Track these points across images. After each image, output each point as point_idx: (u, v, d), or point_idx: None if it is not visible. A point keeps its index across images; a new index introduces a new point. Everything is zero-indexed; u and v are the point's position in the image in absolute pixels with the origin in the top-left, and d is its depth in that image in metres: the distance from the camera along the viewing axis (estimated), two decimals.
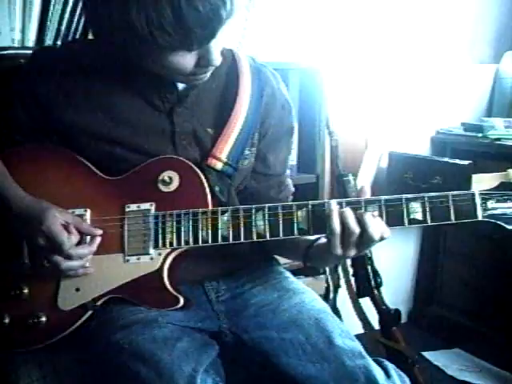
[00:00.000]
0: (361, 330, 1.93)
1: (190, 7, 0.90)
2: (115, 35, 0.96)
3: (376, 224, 1.02)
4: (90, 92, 1.13)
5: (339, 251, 1.03)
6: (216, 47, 1.00)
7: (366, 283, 1.90)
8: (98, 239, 1.11)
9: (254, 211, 1.08)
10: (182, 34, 0.93)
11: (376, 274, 1.89)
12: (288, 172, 1.33)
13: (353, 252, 1.04)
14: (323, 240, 1.12)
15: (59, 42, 1.51)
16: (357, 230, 1.01)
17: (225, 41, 1.01)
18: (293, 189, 1.33)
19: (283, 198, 1.26)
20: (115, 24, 0.94)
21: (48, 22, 1.49)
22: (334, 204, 1.05)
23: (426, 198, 1.03)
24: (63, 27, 1.51)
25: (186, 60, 1.00)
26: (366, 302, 1.93)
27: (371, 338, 1.89)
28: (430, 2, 2.25)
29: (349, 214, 1.02)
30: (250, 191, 1.25)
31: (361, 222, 1.01)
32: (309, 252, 1.15)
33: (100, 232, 1.11)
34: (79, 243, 1.09)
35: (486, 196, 1.02)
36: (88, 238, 1.11)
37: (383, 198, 1.05)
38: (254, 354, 1.12)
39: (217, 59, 1.02)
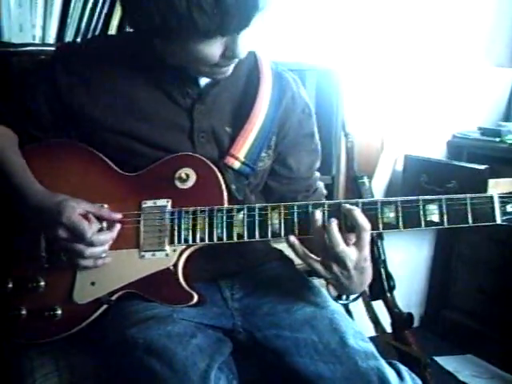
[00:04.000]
0: (373, 333, 1.92)
1: None
2: (155, 18, 0.96)
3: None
4: (112, 86, 1.14)
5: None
6: (243, 40, 1.01)
7: (379, 286, 1.89)
8: (118, 225, 1.12)
9: (269, 209, 1.08)
10: (219, 17, 0.93)
11: (389, 276, 1.89)
12: (317, 175, 1.32)
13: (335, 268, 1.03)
14: None
15: (79, 39, 1.53)
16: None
17: (252, 37, 1.02)
18: (325, 192, 1.32)
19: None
20: (156, 3, 0.94)
21: (68, 19, 1.50)
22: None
23: (443, 200, 1.02)
24: (83, 24, 1.52)
25: (214, 49, 1.01)
26: (378, 305, 1.93)
27: (383, 340, 1.88)
28: (448, 4, 2.24)
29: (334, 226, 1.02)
30: (277, 195, 1.25)
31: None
32: None
33: (120, 215, 1.12)
34: (101, 230, 1.10)
35: (505, 199, 1.01)
36: (105, 225, 1.12)
37: (400, 199, 1.04)
38: (266, 353, 1.12)
39: (242, 52, 1.03)
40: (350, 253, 1.02)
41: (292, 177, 1.26)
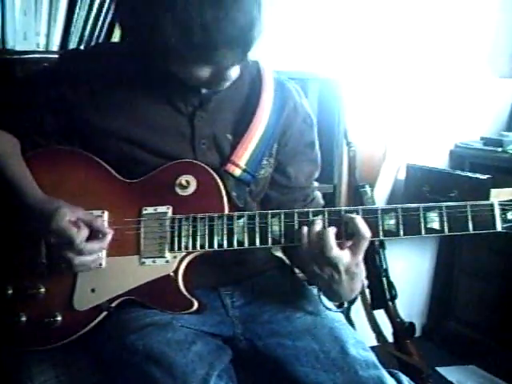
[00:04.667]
0: (374, 342, 1.91)
1: (220, 32, 0.93)
2: (145, 42, 0.99)
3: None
4: (114, 93, 1.15)
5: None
6: (232, 67, 1.03)
7: (381, 295, 1.88)
8: (110, 235, 1.11)
9: (269, 217, 1.08)
10: (208, 51, 0.95)
11: (391, 286, 1.88)
12: (315, 185, 1.32)
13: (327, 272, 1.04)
14: None
15: (82, 47, 1.54)
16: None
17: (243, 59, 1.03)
18: (322, 202, 1.33)
19: None
20: (146, 28, 0.96)
21: (72, 28, 1.52)
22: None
23: (443, 208, 1.02)
24: (87, 32, 1.54)
25: (202, 72, 1.02)
26: (380, 314, 1.92)
27: (384, 350, 1.87)
28: (451, 15, 2.25)
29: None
30: (274, 204, 1.25)
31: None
32: None
33: (111, 231, 1.11)
34: (92, 239, 1.09)
35: (506, 207, 1.01)
36: (100, 236, 1.11)
37: (400, 206, 1.04)
38: (266, 361, 1.11)
39: (232, 75, 1.05)
40: (342, 256, 1.02)
41: (290, 186, 1.26)
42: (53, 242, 1.08)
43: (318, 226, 1.05)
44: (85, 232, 1.08)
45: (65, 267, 1.10)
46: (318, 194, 1.33)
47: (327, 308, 1.16)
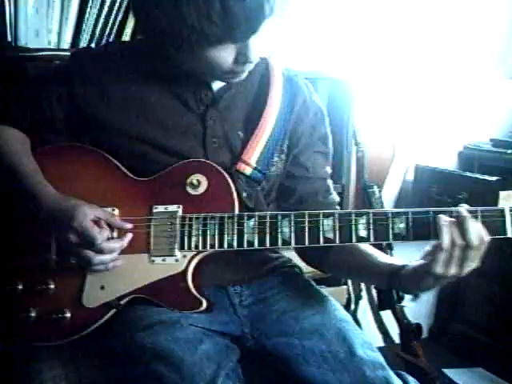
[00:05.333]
0: (381, 343, 1.92)
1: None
2: (164, 27, 0.98)
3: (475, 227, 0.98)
4: (125, 92, 1.15)
5: (441, 270, 0.99)
6: (255, 44, 1.02)
7: (388, 296, 1.88)
8: (130, 234, 1.12)
9: (280, 217, 1.08)
10: (227, 26, 0.95)
11: None
12: (331, 182, 1.30)
13: (455, 270, 0.99)
14: (413, 264, 1.06)
15: (93, 45, 1.54)
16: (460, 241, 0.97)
17: (263, 41, 1.03)
18: (338, 198, 1.31)
19: (331, 203, 1.25)
20: (164, 12, 0.96)
21: (84, 25, 1.52)
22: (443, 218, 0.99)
23: (454, 213, 1.01)
24: (98, 30, 1.54)
25: (225, 55, 1.02)
26: (387, 315, 1.92)
27: (391, 351, 1.88)
28: (461, 16, 2.24)
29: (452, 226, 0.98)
30: (297, 195, 1.24)
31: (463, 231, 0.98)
32: (397, 278, 1.08)
33: (130, 225, 1.12)
34: (109, 238, 1.11)
35: None
36: (115, 233, 1.12)
37: (411, 210, 1.04)
38: (274, 360, 1.11)
39: (254, 56, 1.04)
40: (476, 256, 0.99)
41: (309, 176, 1.25)
42: (72, 240, 1.08)
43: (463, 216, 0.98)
44: (106, 232, 1.09)
45: (83, 265, 1.11)
46: (334, 192, 1.32)
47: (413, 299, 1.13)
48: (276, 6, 0.98)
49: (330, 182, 1.30)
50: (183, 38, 0.98)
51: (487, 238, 0.99)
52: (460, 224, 0.98)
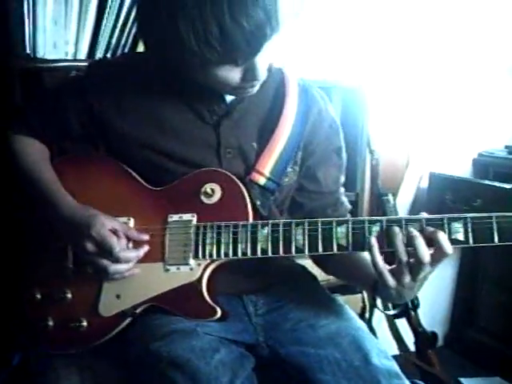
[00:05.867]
0: (396, 351, 1.91)
1: (235, 23, 0.91)
2: (165, 47, 0.99)
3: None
4: (141, 103, 1.16)
5: (392, 283, 1.02)
6: (261, 62, 1.01)
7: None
8: (146, 246, 1.13)
9: (293, 225, 1.08)
10: (227, 49, 0.94)
11: None
12: (342, 190, 1.31)
13: (408, 281, 1.01)
14: None
15: (109, 55, 1.56)
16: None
17: (271, 55, 1.02)
18: (349, 206, 1.31)
19: (341, 215, 1.25)
20: (165, 36, 0.96)
21: (100, 36, 1.54)
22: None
23: (468, 219, 1.01)
24: (113, 41, 1.56)
25: (232, 74, 1.02)
26: (402, 323, 1.91)
27: (406, 359, 1.86)
28: (474, 23, 2.24)
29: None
30: (306, 210, 1.25)
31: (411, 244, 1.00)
32: (376, 287, 1.09)
33: (147, 237, 1.14)
34: (127, 249, 1.12)
35: None
36: (131, 244, 1.13)
37: (424, 216, 1.04)
38: (289, 369, 1.11)
39: (262, 74, 1.03)
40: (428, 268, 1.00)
41: (321, 191, 1.25)
42: (89, 249, 1.09)
43: (415, 232, 1.01)
44: (124, 241, 1.11)
45: (99, 274, 1.12)
46: (345, 199, 1.32)
47: (382, 311, 1.15)
48: (279, 25, 0.96)
49: (341, 191, 1.30)
50: (185, 60, 0.99)
51: (449, 251, 0.99)
52: (410, 240, 1.00)
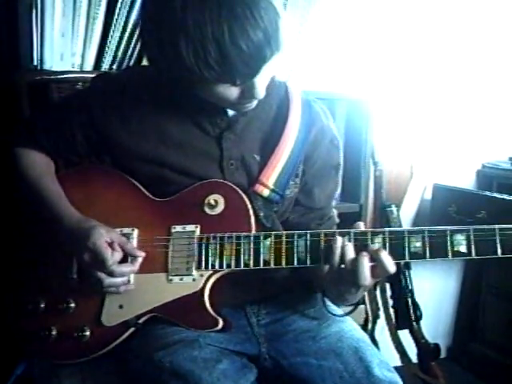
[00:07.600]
0: (398, 363, 1.90)
1: (234, 46, 0.92)
2: (165, 63, 1.00)
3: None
4: (144, 116, 1.18)
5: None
6: (260, 82, 1.02)
7: (406, 315, 1.87)
8: (140, 259, 1.14)
9: (296, 237, 1.09)
10: (225, 70, 0.95)
11: (416, 306, 1.87)
12: (333, 203, 1.32)
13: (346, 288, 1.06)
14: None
15: (114, 67, 1.58)
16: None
17: (270, 75, 1.03)
18: (337, 220, 1.32)
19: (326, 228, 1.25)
20: (165, 53, 0.97)
21: (106, 48, 1.56)
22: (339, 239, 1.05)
23: (471, 231, 1.02)
24: (120, 53, 1.57)
25: (230, 92, 1.03)
26: (404, 335, 1.91)
27: (409, 371, 1.86)
28: (477, 35, 2.24)
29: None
30: (291, 223, 1.25)
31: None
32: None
33: (143, 254, 1.14)
34: (123, 262, 1.13)
35: None
36: (129, 259, 1.14)
37: (427, 228, 1.04)
38: (291, 380, 1.12)
39: (260, 93, 1.04)
40: (370, 282, 1.03)
41: (311, 207, 1.27)
42: (86, 260, 1.10)
43: (351, 251, 1.04)
44: (118, 255, 1.11)
45: (95, 285, 1.12)
46: (335, 212, 1.33)
47: (333, 314, 1.17)
48: (280, 46, 0.97)
49: (329, 209, 1.31)
50: (184, 77, 1.00)
51: (392, 268, 1.01)
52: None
